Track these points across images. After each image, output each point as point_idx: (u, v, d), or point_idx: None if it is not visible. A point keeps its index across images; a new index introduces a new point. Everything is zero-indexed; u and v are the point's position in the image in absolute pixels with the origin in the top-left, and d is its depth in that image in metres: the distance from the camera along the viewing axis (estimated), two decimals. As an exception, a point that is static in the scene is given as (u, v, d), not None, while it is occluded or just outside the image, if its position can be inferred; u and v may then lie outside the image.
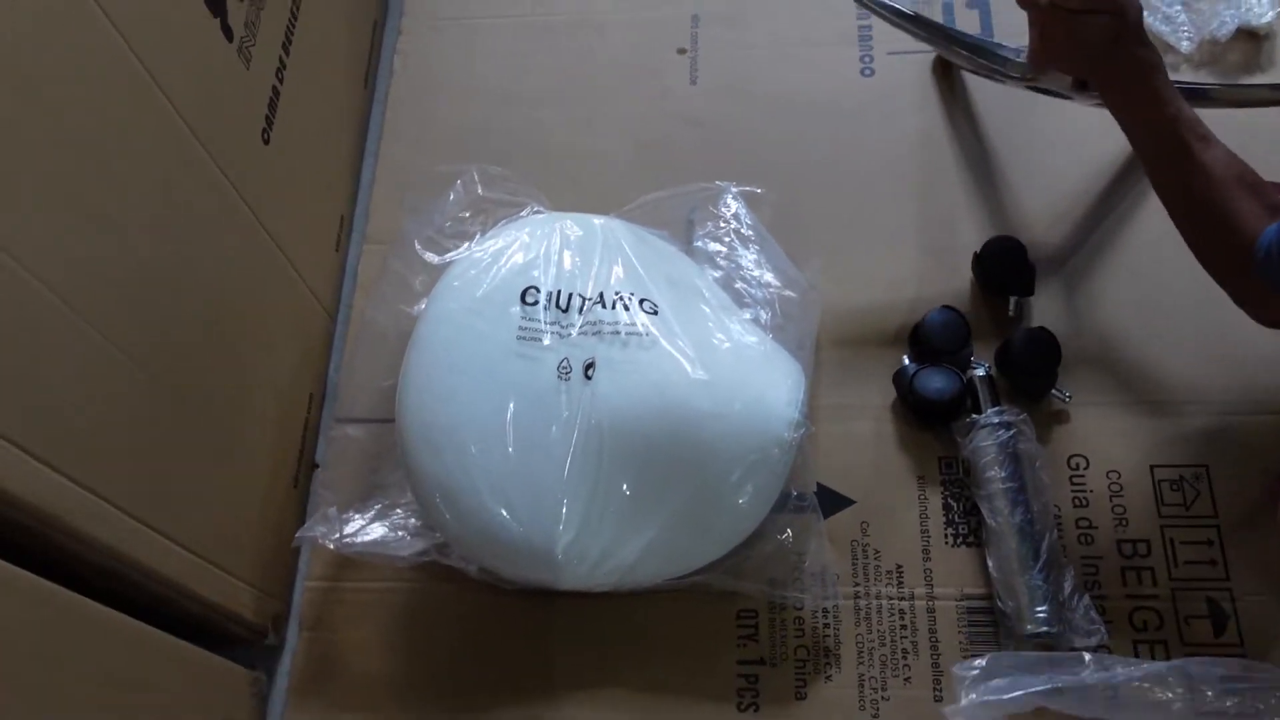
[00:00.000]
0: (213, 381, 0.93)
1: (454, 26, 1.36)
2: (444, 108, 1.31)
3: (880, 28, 1.29)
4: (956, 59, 1.19)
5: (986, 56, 1.09)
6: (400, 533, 1.01)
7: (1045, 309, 1.11)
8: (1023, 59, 1.04)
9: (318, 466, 1.12)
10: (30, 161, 0.67)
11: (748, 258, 1.06)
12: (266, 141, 1.01)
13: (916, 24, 1.12)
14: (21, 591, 0.67)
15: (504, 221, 1.08)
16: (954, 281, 1.14)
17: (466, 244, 1.06)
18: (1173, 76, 1.21)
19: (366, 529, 1.02)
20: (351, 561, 1.05)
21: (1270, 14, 1.22)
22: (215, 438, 0.94)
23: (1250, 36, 1.23)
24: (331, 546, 1.00)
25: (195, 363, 0.89)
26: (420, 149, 1.28)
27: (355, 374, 1.10)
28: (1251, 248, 0.82)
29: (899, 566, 1.01)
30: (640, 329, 0.97)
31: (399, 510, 1.02)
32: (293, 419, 1.10)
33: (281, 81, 1.04)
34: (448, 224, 1.08)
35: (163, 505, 0.84)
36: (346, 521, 1.01)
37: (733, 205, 1.10)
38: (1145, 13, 1.25)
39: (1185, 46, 1.23)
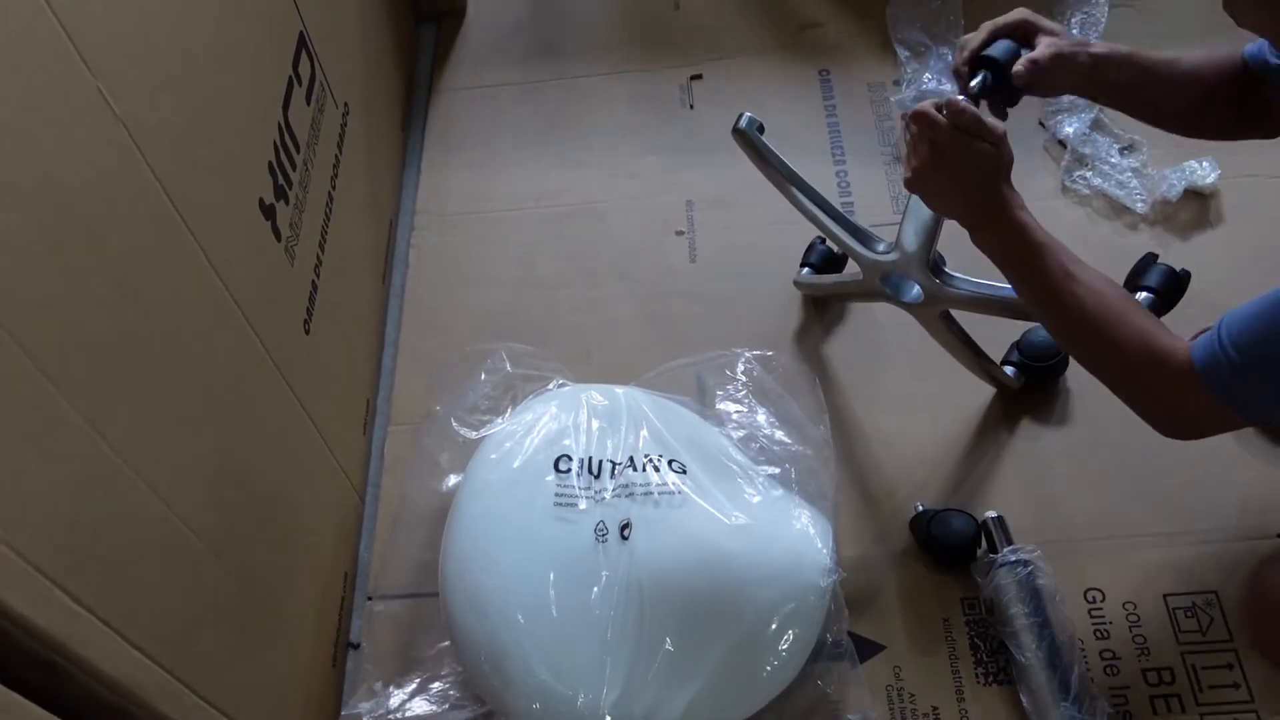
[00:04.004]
0: (268, 565, 0.96)
1: (465, 220, 1.46)
2: (458, 295, 1.39)
3: (863, 201, 1.40)
4: (819, 225, 1.17)
5: (856, 235, 1.13)
6: (444, 706, 1.03)
7: (1040, 437, 1.18)
8: (891, 255, 1.10)
9: (354, 645, 1.13)
10: (133, 363, 0.73)
11: (765, 417, 1.13)
12: (307, 332, 1.07)
13: (798, 188, 1.15)
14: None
15: (532, 395, 1.14)
16: (956, 429, 1.20)
17: (498, 418, 1.12)
18: (1127, 237, 1.33)
19: (409, 704, 1.03)
20: (392, 739, 1.05)
21: (1213, 175, 1.34)
22: (267, 619, 0.96)
23: (1198, 196, 1.35)
24: (375, 724, 1.01)
25: (255, 547, 0.93)
26: (438, 334, 1.35)
27: (393, 550, 1.13)
28: (1166, 357, 0.83)
29: (935, 709, 1.03)
30: (671, 488, 1.02)
31: (440, 683, 1.04)
32: (331, 599, 1.12)
33: (319, 276, 1.11)
34: (479, 401, 1.14)
35: (224, 687, 0.85)
36: (389, 697, 1.03)
37: (747, 369, 1.17)
38: (1099, 179, 1.38)
39: (1140, 208, 1.35)
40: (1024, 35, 0.99)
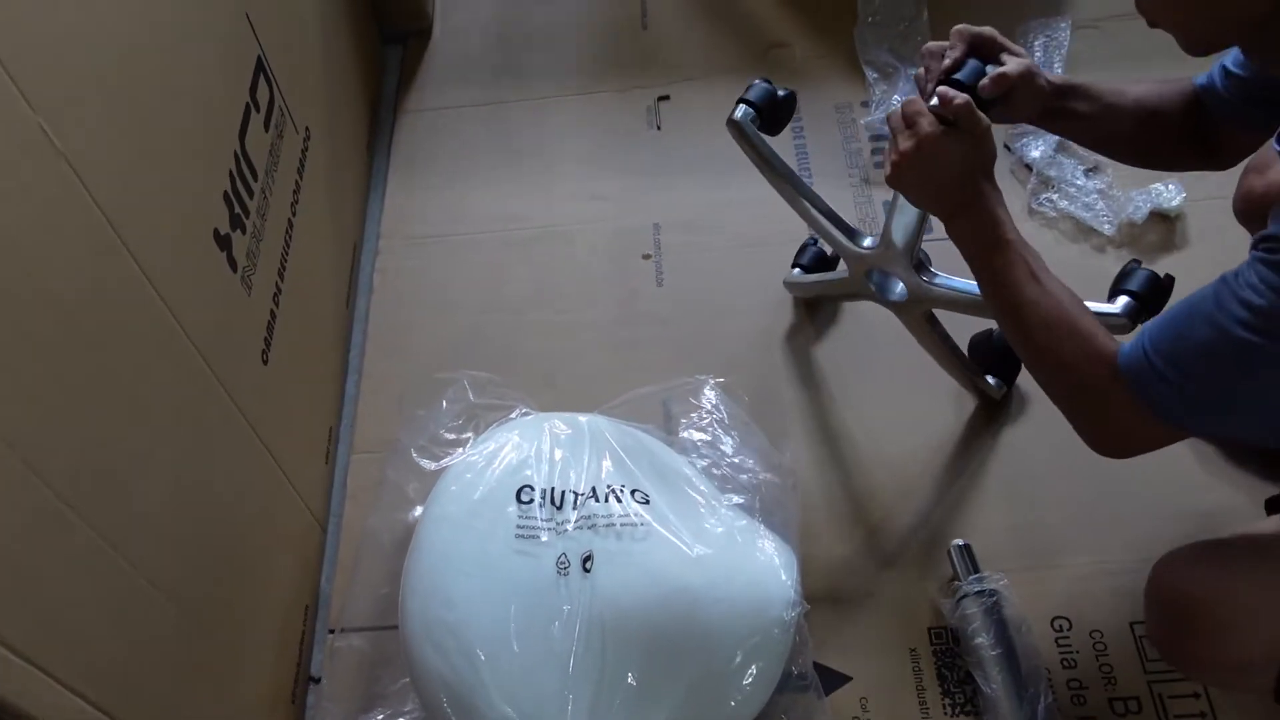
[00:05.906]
0: (225, 601, 0.94)
1: (430, 244, 1.45)
2: (424, 320, 1.38)
3: (828, 226, 1.39)
4: (808, 219, 1.18)
5: (843, 229, 1.14)
6: (405, 742, 1.01)
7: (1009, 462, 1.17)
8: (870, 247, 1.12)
9: (315, 680, 1.12)
10: (76, 402, 0.71)
11: (730, 445, 1.12)
12: (265, 362, 1.05)
13: (789, 180, 1.15)
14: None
15: (495, 425, 1.12)
16: (927, 455, 1.20)
17: (460, 449, 1.10)
18: (1094, 259, 1.33)
19: (370, 741, 1.01)
20: (352, 778, 1.04)
21: (1179, 198, 1.34)
22: (226, 658, 0.95)
23: (1163, 219, 1.35)
24: (335, 761, 0.99)
25: (212, 584, 0.91)
26: (403, 360, 1.34)
27: (356, 583, 1.11)
28: (1097, 358, 0.83)
29: (902, 740, 1.03)
30: (634, 519, 1.01)
31: (403, 719, 1.03)
32: (291, 633, 1.10)
33: (278, 305, 1.10)
34: (441, 431, 1.13)
35: (176, 729, 0.84)
36: (350, 734, 1.01)
37: (712, 396, 1.16)
38: (1066, 201, 1.38)
39: (1107, 230, 1.35)
40: (990, 51, 0.99)
